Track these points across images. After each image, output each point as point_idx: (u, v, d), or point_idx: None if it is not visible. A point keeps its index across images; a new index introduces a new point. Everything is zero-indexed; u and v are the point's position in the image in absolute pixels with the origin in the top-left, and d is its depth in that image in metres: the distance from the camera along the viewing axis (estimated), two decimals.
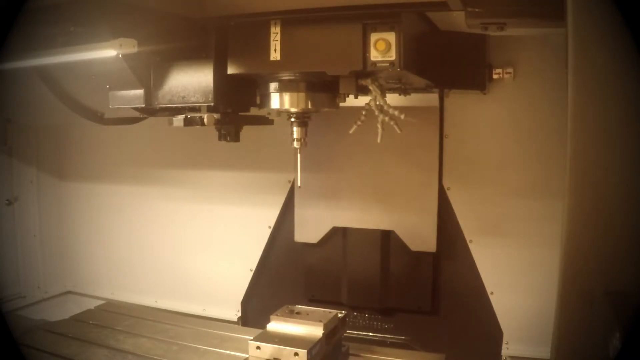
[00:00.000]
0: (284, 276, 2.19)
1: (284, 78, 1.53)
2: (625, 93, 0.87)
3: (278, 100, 1.57)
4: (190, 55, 1.51)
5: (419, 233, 1.95)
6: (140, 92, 1.53)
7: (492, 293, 1.89)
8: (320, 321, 1.60)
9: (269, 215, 2.16)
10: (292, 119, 1.65)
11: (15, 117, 2.57)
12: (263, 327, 1.67)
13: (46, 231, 2.63)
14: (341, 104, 1.65)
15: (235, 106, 1.62)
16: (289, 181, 2.08)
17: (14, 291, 2.49)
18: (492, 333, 1.89)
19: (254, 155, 2.11)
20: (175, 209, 2.31)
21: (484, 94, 1.81)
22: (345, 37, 1.35)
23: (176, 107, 1.55)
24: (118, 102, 1.58)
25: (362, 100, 1.59)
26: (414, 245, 1.96)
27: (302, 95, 1.55)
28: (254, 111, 1.74)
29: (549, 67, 1.68)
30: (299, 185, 1.84)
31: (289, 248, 2.14)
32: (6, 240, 2.55)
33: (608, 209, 0.90)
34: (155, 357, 1.68)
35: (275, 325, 1.63)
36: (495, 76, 1.78)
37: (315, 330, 1.58)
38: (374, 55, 1.33)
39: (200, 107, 1.55)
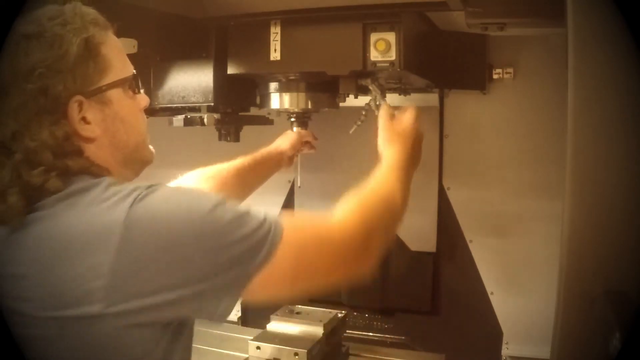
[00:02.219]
0: None
1: (283, 78, 1.53)
2: (625, 93, 0.87)
3: (278, 100, 1.57)
4: (190, 55, 1.52)
5: (419, 233, 1.94)
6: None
7: (492, 293, 1.89)
8: (320, 321, 1.60)
9: None
10: (292, 119, 1.65)
11: None
12: (263, 327, 1.67)
13: None
14: (341, 104, 1.65)
15: (235, 106, 1.62)
16: (289, 181, 2.08)
17: None
18: (492, 333, 1.89)
19: None
20: None
21: (484, 94, 1.81)
22: (345, 37, 1.35)
23: (176, 107, 1.55)
24: None
25: (362, 100, 1.59)
26: (414, 245, 1.96)
27: (302, 95, 1.55)
28: (254, 111, 1.74)
29: (549, 67, 1.67)
30: (298, 185, 1.84)
31: None
32: None
33: (608, 208, 0.89)
34: None
35: (275, 325, 1.64)
36: (495, 76, 1.78)
37: (315, 330, 1.58)
38: (374, 55, 1.34)
39: (200, 107, 1.55)
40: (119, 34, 1.27)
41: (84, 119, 0.87)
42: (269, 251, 0.86)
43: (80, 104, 0.87)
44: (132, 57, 1.34)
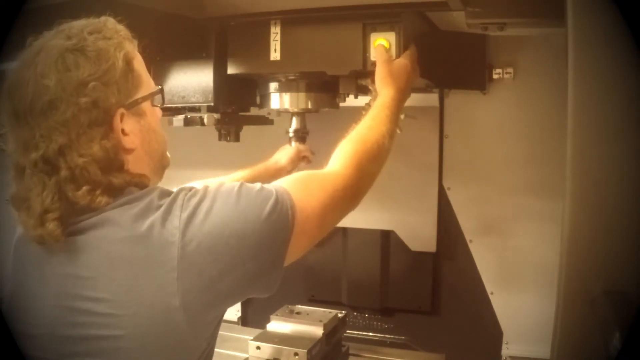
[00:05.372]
0: (284, 276, 2.18)
1: (283, 78, 1.53)
2: (625, 93, 0.87)
3: (278, 100, 1.57)
4: (190, 55, 1.51)
5: (419, 233, 1.94)
6: None
7: (492, 293, 1.89)
8: (320, 321, 1.60)
9: None
10: (291, 135, 1.68)
11: None
12: (263, 327, 1.67)
13: None
14: (341, 104, 1.65)
15: (235, 106, 1.62)
16: None
17: None
18: (492, 333, 1.89)
19: (254, 155, 2.10)
20: None
21: (484, 94, 1.80)
22: (345, 37, 1.35)
23: (176, 107, 1.55)
24: None
25: (362, 100, 1.59)
26: (414, 245, 1.96)
27: (302, 95, 1.55)
28: (254, 111, 1.74)
29: (549, 67, 1.67)
30: None
31: None
32: (6, 240, 2.54)
33: (608, 208, 0.89)
34: None
35: (275, 325, 1.64)
36: (495, 76, 1.77)
37: (315, 330, 1.58)
38: (374, 55, 1.34)
39: (200, 107, 1.55)
40: None
41: (122, 130, 0.90)
42: (292, 218, 0.93)
43: (122, 116, 0.90)
44: None
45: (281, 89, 1.56)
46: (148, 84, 0.97)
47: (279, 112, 1.69)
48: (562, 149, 0.93)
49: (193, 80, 1.51)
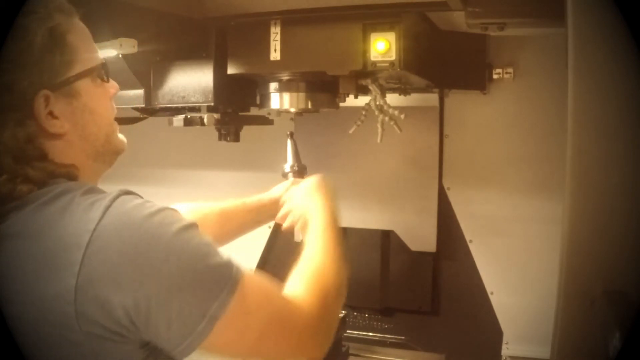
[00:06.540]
0: (284, 276, 2.19)
1: (283, 78, 1.53)
2: (625, 93, 0.87)
3: (278, 100, 1.57)
4: (190, 55, 1.52)
5: (419, 233, 1.95)
6: (140, 92, 1.53)
7: (492, 293, 1.89)
8: None
9: None
10: (288, 170, 1.67)
11: None
12: None
13: None
14: (341, 104, 1.65)
15: (235, 106, 1.62)
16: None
17: None
18: (492, 333, 1.89)
19: (254, 155, 2.11)
20: None
21: (484, 94, 1.81)
22: (345, 37, 1.35)
23: (176, 107, 1.55)
24: (118, 102, 1.57)
25: (362, 100, 1.59)
26: (414, 245, 1.96)
27: (302, 95, 1.55)
28: (254, 111, 1.74)
29: (549, 67, 1.67)
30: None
31: (289, 248, 2.14)
32: None
33: (608, 208, 0.89)
34: None
35: None
36: (495, 76, 1.77)
37: None
38: (374, 55, 1.34)
39: (200, 107, 1.55)
40: (119, 34, 1.27)
41: (51, 113, 0.82)
42: (229, 291, 0.81)
43: (47, 99, 0.82)
44: (132, 57, 1.35)
45: (281, 89, 1.56)
46: (88, 60, 0.87)
47: (279, 112, 1.69)
48: (562, 149, 0.93)
49: (193, 80, 1.51)
